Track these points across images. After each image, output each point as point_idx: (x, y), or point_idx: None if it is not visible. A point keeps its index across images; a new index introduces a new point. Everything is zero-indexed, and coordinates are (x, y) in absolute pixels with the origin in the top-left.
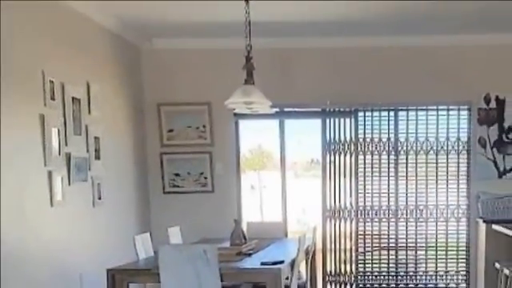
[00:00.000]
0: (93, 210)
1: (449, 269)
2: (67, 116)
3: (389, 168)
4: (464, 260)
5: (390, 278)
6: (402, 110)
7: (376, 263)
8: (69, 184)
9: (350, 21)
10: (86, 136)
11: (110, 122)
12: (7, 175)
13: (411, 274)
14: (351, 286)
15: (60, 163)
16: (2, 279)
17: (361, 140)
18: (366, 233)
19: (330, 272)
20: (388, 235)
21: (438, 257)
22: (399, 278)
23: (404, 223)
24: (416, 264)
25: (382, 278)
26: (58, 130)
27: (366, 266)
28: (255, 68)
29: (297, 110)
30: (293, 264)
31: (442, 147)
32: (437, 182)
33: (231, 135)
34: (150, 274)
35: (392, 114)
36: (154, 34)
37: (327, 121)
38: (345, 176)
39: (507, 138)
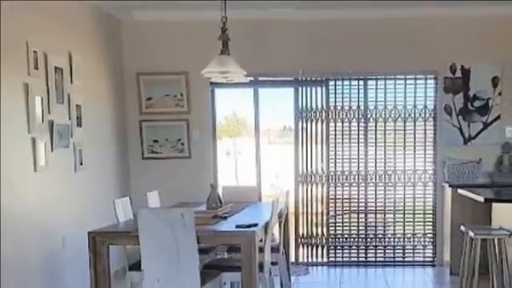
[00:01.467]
0: (74, 175)
1: (416, 231)
2: (50, 85)
3: (358, 135)
4: (431, 223)
5: (360, 240)
6: (371, 79)
7: (346, 226)
8: (51, 150)
9: None
10: (68, 104)
11: (91, 90)
12: None
13: (380, 236)
14: (322, 247)
15: (43, 130)
16: None
17: (332, 108)
18: (337, 197)
19: (303, 234)
20: (358, 199)
21: (406, 220)
22: (368, 240)
23: (373, 188)
24: (384, 227)
25: (352, 240)
26: (42, 99)
27: (337, 228)
28: (230, 39)
29: (270, 79)
30: (266, 227)
31: (409, 115)
32: (404, 148)
33: (207, 103)
34: (130, 237)
35: (361, 83)
36: (134, 7)
37: (299, 89)
38: (316, 142)
39: (472, 106)
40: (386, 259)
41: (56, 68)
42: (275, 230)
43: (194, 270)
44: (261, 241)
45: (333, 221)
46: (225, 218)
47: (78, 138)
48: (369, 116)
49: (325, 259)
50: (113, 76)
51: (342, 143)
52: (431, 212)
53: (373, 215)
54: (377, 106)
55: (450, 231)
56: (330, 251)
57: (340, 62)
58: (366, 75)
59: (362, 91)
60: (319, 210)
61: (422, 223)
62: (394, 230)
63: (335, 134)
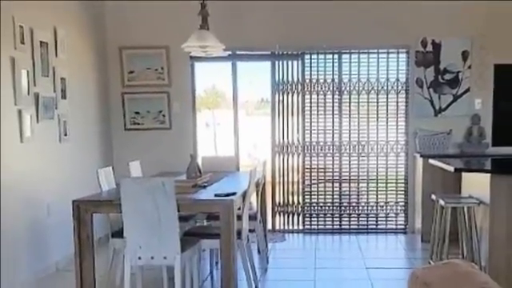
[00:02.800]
0: (59, 145)
1: (389, 200)
2: (36, 59)
3: (333, 107)
4: (402, 192)
5: (334, 208)
6: (345, 53)
7: (321, 195)
8: (37, 121)
9: None
10: (53, 77)
11: (75, 64)
12: None
13: (354, 204)
14: (298, 215)
15: (29, 102)
16: None
17: (307, 81)
18: (312, 167)
19: (279, 203)
20: (332, 169)
21: (379, 189)
22: (343, 208)
23: (347, 158)
24: (358, 195)
25: (327, 208)
26: (27, 72)
27: (312, 197)
28: (210, 14)
29: (248, 53)
30: (244, 195)
31: (382, 87)
32: (377, 119)
33: (187, 76)
34: (113, 205)
35: (336, 56)
36: None
37: (276, 63)
38: (292, 114)
39: (443, 78)
40: (360, 227)
41: (41, 42)
42: (253, 198)
43: (174, 237)
44: (239, 209)
45: (308, 190)
46: (204, 187)
47: (62, 109)
48: (343, 89)
49: (300, 227)
50: (96, 50)
51: (317, 115)
52: (403, 181)
53: (347, 184)
54: (351, 79)
55: (421, 200)
56: (306, 219)
57: (315, 36)
58: (340, 49)
59: (336, 65)
60: (295, 180)
61: (394, 192)
62: (368, 199)
63: (310, 106)
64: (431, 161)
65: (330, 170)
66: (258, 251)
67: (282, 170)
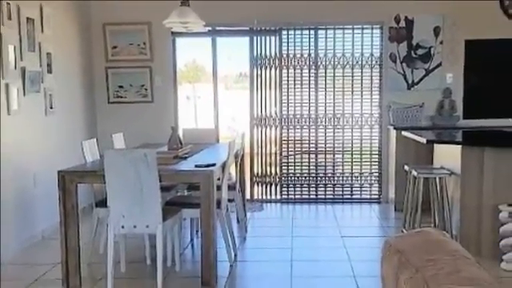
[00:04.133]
0: (45, 118)
1: (363, 171)
2: (22, 34)
3: (309, 81)
4: (376, 163)
5: (311, 178)
6: (321, 29)
7: (298, 165)
8: (24, 95)
9: None
10: (39, 52)
11: (60, 39)
12: None
13: (329, 175)
14: (276, 185)
15: (16, 76)
16: None
17: (284, 56)
18: (289, 138)
19: (257, 173)
20: (309, 141)
21: (354, 160)
22: (319, 178)
23: (323, 130)
24: (334, 166)
25: (304, 178)
26: (14, 47)
27: (289, 168)
28: None
29: (227, 28)
30: (224, 166)
31: (357, 62)
32: (352, 93)
33: (169, 51)
34: (97, 176)
35: (312, 32)
36: None
37: (254, 38)
38: (270, 88)
39: (415, 53)
40: (335, 196)
41: (28, 19)
42: (232, 169)
43: (156, 207)
44: (218, 179)
45: (285, 161)
46: (185, 158)
47: (48, 83)
48: (319, 63)
49: (278, 196)
50: (81, 26)
51: (294, 88)
52: (377, 153)
53: (323, 155)
54: (326, 54)
55: (394, 170)
56: (283, 189)
57: (292, 13)
58: (316, 25)
59: (312, 40)
60: (273, 151)
61: (368, 163)
62: (343, 170)
63: (288, 80)
64: (404, 133)
65: (307, 141)
66: (237, 220)
67: (260, 142)
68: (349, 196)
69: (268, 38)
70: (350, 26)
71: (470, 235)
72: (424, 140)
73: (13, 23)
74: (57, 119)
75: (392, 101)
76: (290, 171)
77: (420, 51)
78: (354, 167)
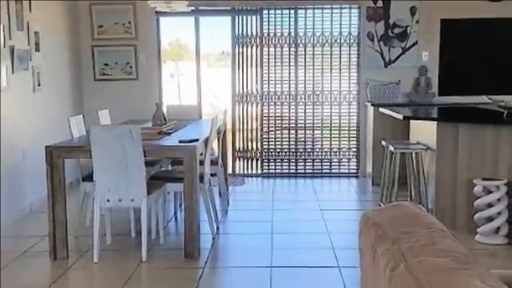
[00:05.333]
0: (33, 95)
1: (341, 146)
2: (11, 14)
3: (289, 59)
4: (355, 138)
5: (291, 153)
6: (301, 8)
7: (278, 141)
8: (12, 72)
9: None
10: (27, 31)
11: (48, 19)
12: None
13: (309, 150)
14: (257, 160)
15: (5, 55)
16: None
17: (265, 34)
18: (270, 115)
19: (239, 149)
20: (289, 117)
21: (332, 135)
22: (298, 153)
23: (303, 106)
24: (313, 142)
25: (284, 153)
26: (3, 26)
27: (270, 143)
28: None
29: (210, 8)
30: (206, 142)
31: (335, 41)
32: (331, 70)
33: (153, 30)
34: (83, 151)
35: (292, 12)
36: None
37: (236, 18)
38: (251, 66)
39: (392, 32)
40: (315, 171)
41: None
42: (214, 144)
43: (140, 181)
44: (201, 154)
45: (266, 136)
46: (169, 133)
47: (36, 61)
48: (299, 42)
49: (259, 171)
50: (68, 6)
51: (275, 66)
52: (355, 129)
53: (302, 131)
54: (306, 33)
55: (372, 146)
56: (264, 164)
57: None
58: (296, 5)
59: (292, 20)
60: (254, 127)
61: (346, 139)
62: (322, 145)
63: (268, 58)
64: (381, 109)
65: (287, 118)
66: (219, 194)
67: (241, 118)
68: (328, 170)
69: (249, 17)
70: (329, 6)
71: (445, 209)
72: (401, 116)
73: (2, 3)
74: (44, 96)
75: (369, 78)
76: (270, 146)
77: (397, 30)
78: (332, 143)
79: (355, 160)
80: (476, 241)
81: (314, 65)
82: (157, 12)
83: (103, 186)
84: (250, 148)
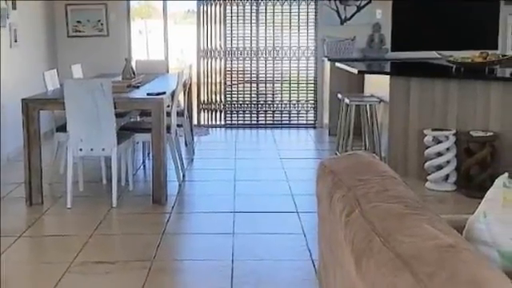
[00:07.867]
0: (10, 50)
1: (300, 98)
2: None
3: (251, 16)
4: (312, 91)
5: (253, 105)
6: None
7: (241, 94)
8: None
9: None
10: None
11: None
12: None
13: (269, 102)
14: (221, 112)
15: None
16: None
17: None
18: (233, 69)
19: (204, 101)
20: (250, 71)
21: (291, 89)
22: (260, 105)
23: (263, 61)
24: (273, 94)
25: (246, 105)
26: None
27: (233, 96)
28: None
29: None
30: (173, 95)
31: None
32: (290, 27)
33: None
34: (57, 103)
35: None
36: None
37: None
38: (215, 23)
39: None
40: (275, 122)
41: None
42: (180, 97)
43: (111, 131)
44: (168, 106)
45: (229, 89)
46: (137, 87)
47: (13, 19)
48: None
49: (222, 122)
50: None
51: (237, 23)
52: (313, 82)
53: (263, 85)
54: None
55: (328, 98)
56: (227, 115)
57: None
58: None
59: None
60: (218, 81)
61: (304, 92)
62: (282, 98)
63: (231, 15)
64: (337, 64)
65: (249, 72)
66: (185, 144)
67: (206, 73)
68: (287, 122)
69: None
70: None
71: (398, 157)
72: (355, 71)
73: None
74: (21, 51)
75: (326, 35)
76: (233, 99)
77: None
78: (291, 95)
79: (313, 112)
80: (426, 188)
81: (274, 22)
82: None
83: (76, 136)
84: (213, 100)
